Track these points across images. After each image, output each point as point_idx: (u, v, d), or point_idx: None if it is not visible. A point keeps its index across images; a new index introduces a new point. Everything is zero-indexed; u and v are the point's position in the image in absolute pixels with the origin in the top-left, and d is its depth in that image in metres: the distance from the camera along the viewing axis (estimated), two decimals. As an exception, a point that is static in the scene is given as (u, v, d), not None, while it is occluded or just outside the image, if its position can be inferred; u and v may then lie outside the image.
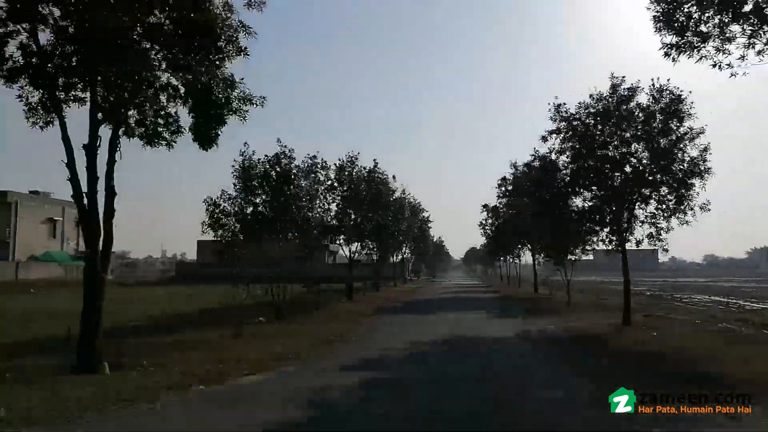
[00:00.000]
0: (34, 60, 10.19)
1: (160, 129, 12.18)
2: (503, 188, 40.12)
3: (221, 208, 19.56)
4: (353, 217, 30.02)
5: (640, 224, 19.32)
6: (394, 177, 33.88)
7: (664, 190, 18.57)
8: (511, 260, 70.79)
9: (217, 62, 10.64)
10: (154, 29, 9.88)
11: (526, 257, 57.59)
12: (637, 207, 19.09)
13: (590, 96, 19.17)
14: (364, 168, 30.84)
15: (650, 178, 18.39)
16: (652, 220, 18.98)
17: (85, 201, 10.71)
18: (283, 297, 20.33)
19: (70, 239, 59.86)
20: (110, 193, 10.98)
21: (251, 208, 20.59)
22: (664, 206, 18.69)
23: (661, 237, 18.98)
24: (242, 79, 12.33)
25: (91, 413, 7.53)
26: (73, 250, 59.87)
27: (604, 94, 19.03)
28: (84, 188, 10.71)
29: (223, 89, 12.04)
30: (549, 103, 20.14)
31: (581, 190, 20.27)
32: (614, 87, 18.74)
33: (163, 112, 12.08)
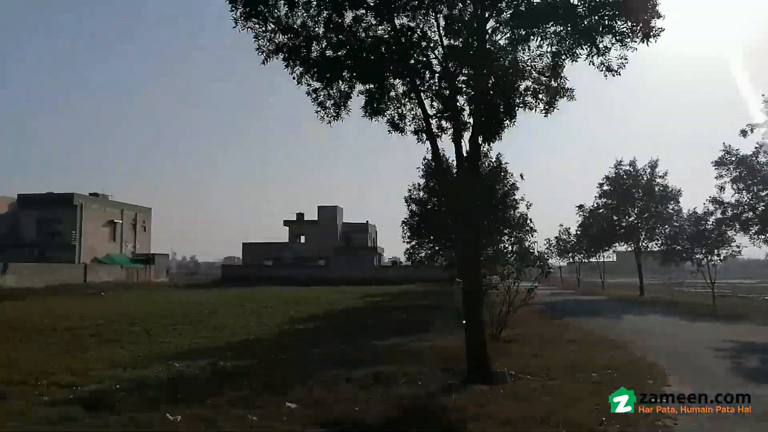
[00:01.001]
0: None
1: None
2: (603, 187, 39.59)
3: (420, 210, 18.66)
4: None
5: None
6: (522, 176, 32.33)
7: None
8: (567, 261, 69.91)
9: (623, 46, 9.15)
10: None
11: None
12: None
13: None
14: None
15: None
16: None
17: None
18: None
19: (128, 241, 58.80)
20: None
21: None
22: None
23: None
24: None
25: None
26: (131, 253, 58.78)
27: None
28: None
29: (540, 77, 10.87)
30: (763, 94, 19.50)
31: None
32: None
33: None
